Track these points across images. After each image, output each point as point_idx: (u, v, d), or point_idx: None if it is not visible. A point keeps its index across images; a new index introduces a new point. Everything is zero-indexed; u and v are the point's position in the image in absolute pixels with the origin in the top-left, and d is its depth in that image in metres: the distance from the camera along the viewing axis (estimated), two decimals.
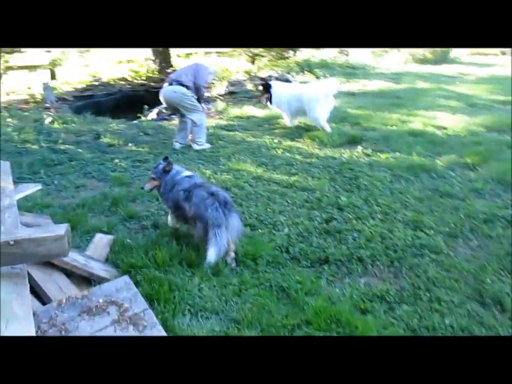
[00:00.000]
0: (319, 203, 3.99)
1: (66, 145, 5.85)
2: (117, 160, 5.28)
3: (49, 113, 8.27)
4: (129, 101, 11.13)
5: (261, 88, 6.91)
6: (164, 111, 8.93)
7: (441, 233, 3.44)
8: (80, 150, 5.68)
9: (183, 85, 5.66)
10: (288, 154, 5.45)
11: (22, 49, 11.60)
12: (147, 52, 12.97)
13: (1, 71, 11.71)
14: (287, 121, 6.82)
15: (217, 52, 14.09)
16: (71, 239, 1.99)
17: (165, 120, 8.17)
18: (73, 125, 7.03)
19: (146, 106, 7.10)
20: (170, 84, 5.71)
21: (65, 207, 3.86)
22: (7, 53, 11.38)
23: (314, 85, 7.25)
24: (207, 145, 5.96)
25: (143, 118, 6.89)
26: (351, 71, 13.25)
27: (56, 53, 11.23)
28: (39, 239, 1.84)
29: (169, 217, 3.51)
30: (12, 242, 1.80)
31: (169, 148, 5.91)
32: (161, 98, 5.89)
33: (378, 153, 5.41)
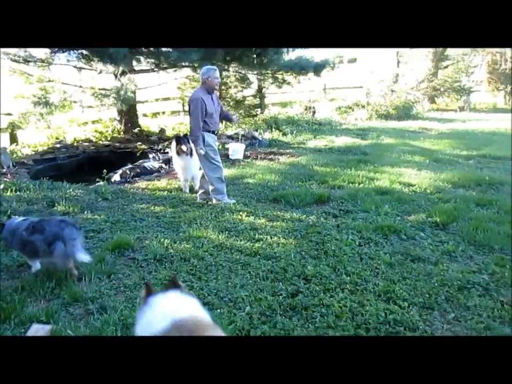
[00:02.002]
0: (284, 274, 3.70)
1: (16, 216, 5.43)
2: None
3: (5, 179, 7.86)
4: (93, 163, 10.85)
5: (178, 141, 6.37)
6: (127, 172, 8.67)
7: (415, 304, 3.18)
8: None
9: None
10: (252, 217, 5.20)
11: None
12: (113, 113, 12.87)
13: None
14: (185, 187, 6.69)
15: (184, 111, 14.13)
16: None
17: (128, 182, 7.89)
18: (27, 192, 6.63)
19: (105, 171, 6.81)
20: None
21: (1, 292, 3.43)
22: None
23: None
24: (231, 201, 5.91)
25: (101, 183, 6.57)
26: (317, 127, 13.45)
27: (15, 116, 10.93)
28: None
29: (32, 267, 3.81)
30: None
31: (127, 214, 5.58)
32: None
33: (346, 214, 5.23)
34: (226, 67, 11.94)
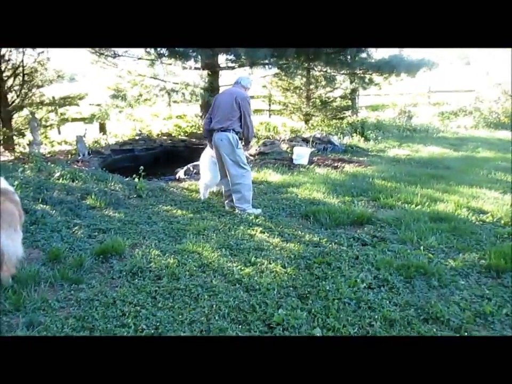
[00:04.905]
0: (252, 313, 3.02)
1: (44, 205, 5.46)
2: (76, 228, 4.74)
3: (75, 166, 8.17)
4: (168, 156, 11.07)
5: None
6: (191, 169, 8.52)
7: None
8: (52, 212, 5.26)
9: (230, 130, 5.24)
10: (267, 235, 4.54)
11: (79, 102, 12.15)
12: (197, 109, 12.96)
13: (56, 122, 12.35)
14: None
15: (267, 110, 13.76)
16: None
17: (184, 181, 7.69)
18: (76, 182, 6.72)
19: (141, 167, 6.56)
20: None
21: None
22: (62, 105, 11.96)
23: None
24: (256, 211, 5.35)
25: (136, 180, 6.40)
26: (409, 134, 12.08)
27: (104, 106, 11.49)
28: None
29: None
30: None
31: (145, 215, 5.30)
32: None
33: (378, 243, 4.31)
34: (306, 65, 11.23)
